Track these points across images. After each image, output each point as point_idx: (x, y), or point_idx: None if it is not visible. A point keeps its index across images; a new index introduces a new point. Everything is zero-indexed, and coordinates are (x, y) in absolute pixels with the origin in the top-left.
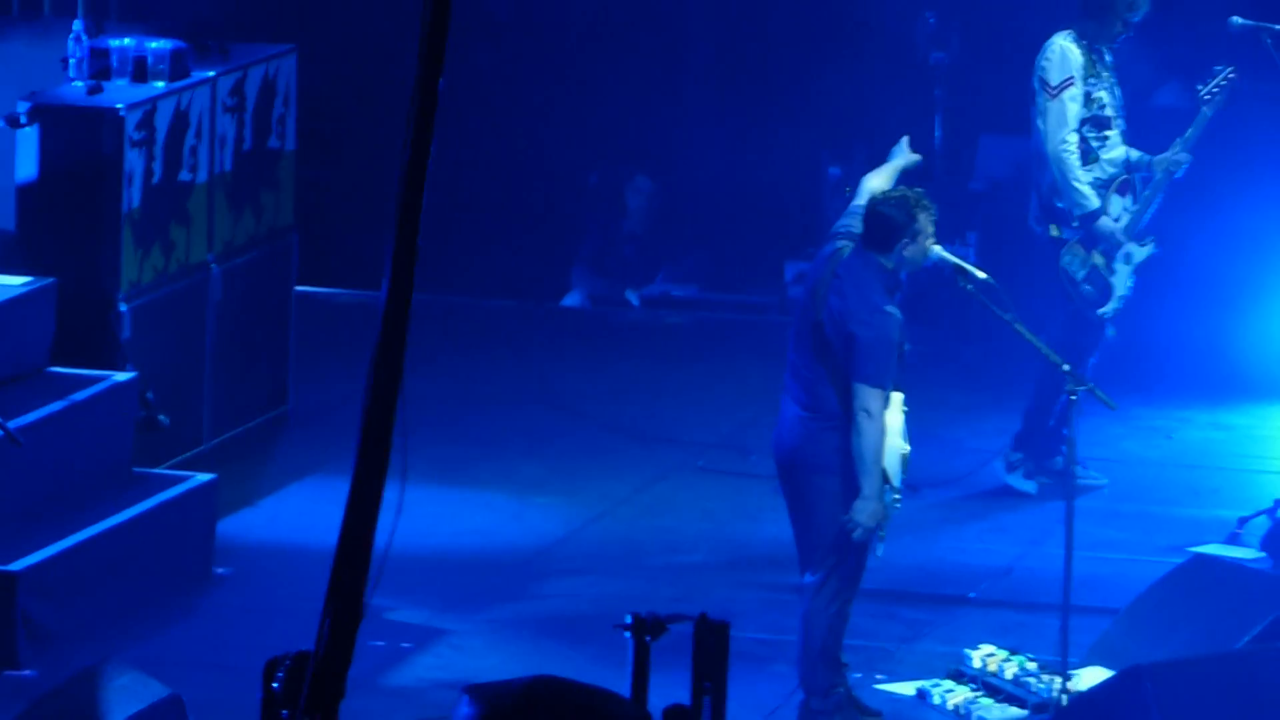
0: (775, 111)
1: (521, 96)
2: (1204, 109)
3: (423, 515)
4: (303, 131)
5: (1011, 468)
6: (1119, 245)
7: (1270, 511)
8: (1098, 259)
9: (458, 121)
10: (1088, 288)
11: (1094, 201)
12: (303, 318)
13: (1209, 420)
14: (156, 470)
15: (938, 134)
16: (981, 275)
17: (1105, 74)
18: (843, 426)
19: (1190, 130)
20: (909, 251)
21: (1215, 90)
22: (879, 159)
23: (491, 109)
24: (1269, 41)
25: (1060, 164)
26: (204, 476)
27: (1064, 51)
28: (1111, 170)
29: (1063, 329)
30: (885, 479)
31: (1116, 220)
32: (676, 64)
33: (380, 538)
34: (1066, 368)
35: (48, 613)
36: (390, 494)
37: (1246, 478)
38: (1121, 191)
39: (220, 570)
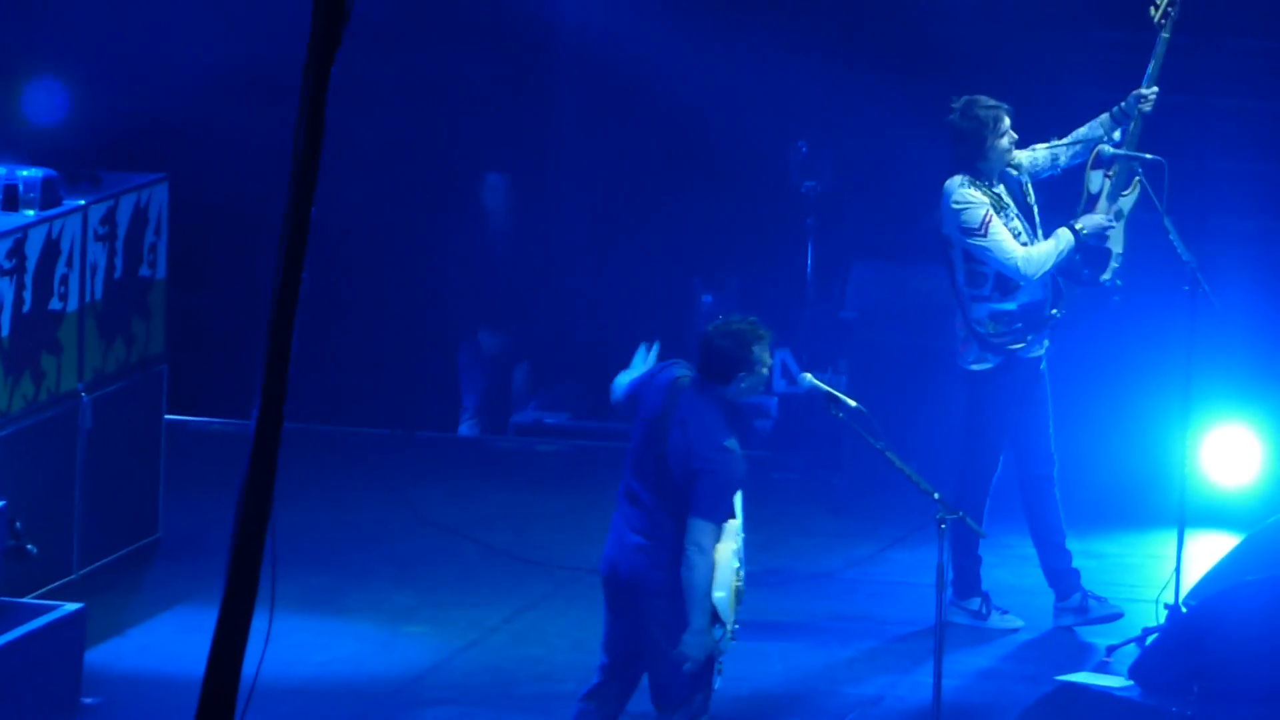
0: (647, 239)
1: (399, 224)
2: (1162, 34)
3: (292, 645)
4: (174, 260)
5: (980, 616)
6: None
7: (1139, 640)
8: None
9: (332, 250)
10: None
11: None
12: (173, 447)
13: (1079, 549)
14: (23, 600)
15: (810, 261)
16: (853, 404)
17: (1010, 202)
18: (680, 556)
19: (1152, 63)
20: (747, 383)
21: (1169, 11)
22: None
23: (368, 237)
24: (1139, 170)
25: (1041, 266)
26: (72, 606)
27: (967, 198)
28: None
29: (968, 465)
30: (715, 615)
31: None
32: (548, 190)
33: (249, 667)
34: (937, 495)
35: None
36: (259, 623)
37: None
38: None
39: (88, 700)
